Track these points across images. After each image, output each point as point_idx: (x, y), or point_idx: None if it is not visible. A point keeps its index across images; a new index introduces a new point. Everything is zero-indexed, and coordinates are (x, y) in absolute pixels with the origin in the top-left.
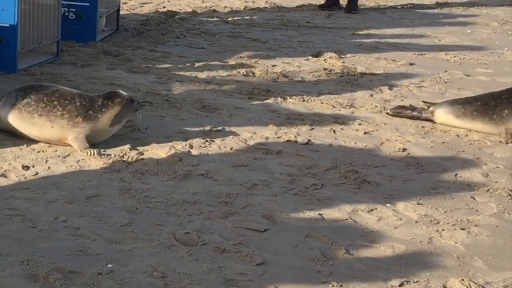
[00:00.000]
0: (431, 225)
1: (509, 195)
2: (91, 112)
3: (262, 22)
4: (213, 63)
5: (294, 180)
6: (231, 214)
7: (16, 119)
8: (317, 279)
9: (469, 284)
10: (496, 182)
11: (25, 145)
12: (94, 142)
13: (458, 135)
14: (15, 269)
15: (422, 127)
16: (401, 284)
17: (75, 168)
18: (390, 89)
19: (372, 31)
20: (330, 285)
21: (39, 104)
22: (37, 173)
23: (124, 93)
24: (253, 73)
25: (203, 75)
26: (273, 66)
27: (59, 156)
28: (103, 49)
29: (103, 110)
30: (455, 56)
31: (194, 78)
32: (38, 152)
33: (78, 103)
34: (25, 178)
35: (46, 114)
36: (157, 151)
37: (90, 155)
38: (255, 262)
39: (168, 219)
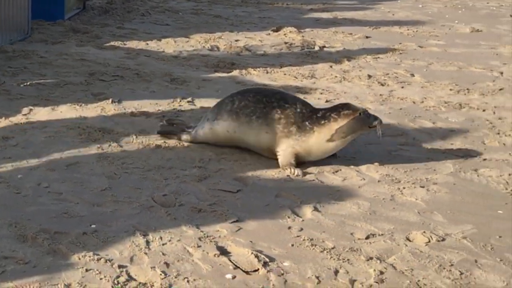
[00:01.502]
0: (392, 184)
1: (464, 155)
2: (307, 123)
3: None
4: (179, 38)
5: None
6: (205, 178)
7: (234, 124)
8: (289, 234)
9: (431, 236)
10: (451, 144)
11: (3, 117)
12: (309, 159)
13: (414, 102)
14: (4, 231)
15: (380, 95)
16: (367, 237)
17: (54, 138)
18: (349, 60)
19: (329, 7)
20: (301, 239)
21: (257, 105)
22: (17, 144)
23: (356, 106)
24: (218, 48)
25: (170, 50)
26: (236, 40)
27: (37, 127)
28: (72, 27)
29: (322, 122)
30: (408, 29)
31: (162, 53)
32: (16, 124)
33: (298, 110)
34: (5, 148)
35: (263, 117)
36: (132, 121)
37: (291, 172)
38: (230, 220)
39: (146, 183)
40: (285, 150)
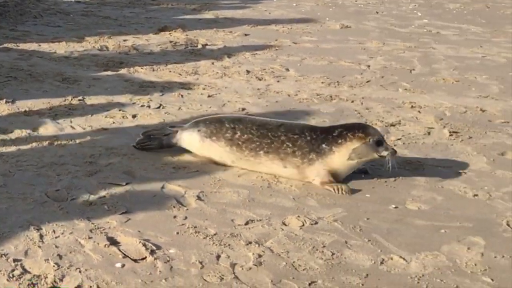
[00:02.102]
0: (269, 173)
1: None
2: (323, 145)
3: (112, 1)
4: (70, 39)
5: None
6: (96, 172)
7: (233, 156)
8: (174, 223)
9: (305, 220)
10: None
11: None
12: (339, 178)
13: (289, 95)
14: None
15: (258, 89)
16: (246, 223)
17: None
18: (229, 57)
19: (211, 6)
20: (186, 227)
21: (263, 140)
22: None
23: (372, 130)
24: (107, 47)
25: (61, 50)
26: (125, 40)
27: None
28: None
29: (339, 141)
30: (283, 27)
31: (54, 54)
32: None
33: (308, 137)
34: None
35: (274, 152)
36: (25, 120)
37: (337, 189)
38: (119, 211)
39: (40, 179)
40: (318, 174)
